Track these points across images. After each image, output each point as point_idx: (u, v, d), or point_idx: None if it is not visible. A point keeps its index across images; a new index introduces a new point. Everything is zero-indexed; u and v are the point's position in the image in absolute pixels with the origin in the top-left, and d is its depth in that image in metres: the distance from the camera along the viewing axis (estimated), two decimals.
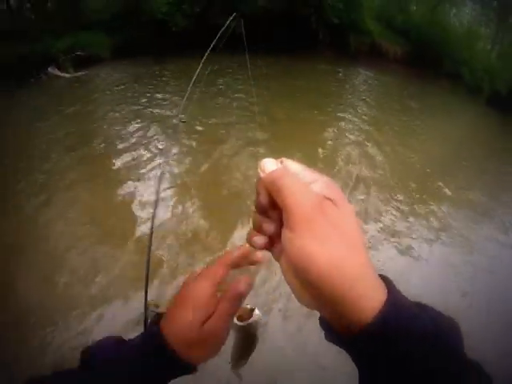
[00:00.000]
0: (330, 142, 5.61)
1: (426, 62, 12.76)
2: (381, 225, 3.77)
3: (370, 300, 0.28)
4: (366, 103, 8.09)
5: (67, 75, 9.50)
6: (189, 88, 1.09)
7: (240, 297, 0.40)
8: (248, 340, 0.49)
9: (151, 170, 4.13)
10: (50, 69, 9.88)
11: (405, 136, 6.53)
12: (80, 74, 9.25)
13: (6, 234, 2.98)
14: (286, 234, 0.30)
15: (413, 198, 4.44)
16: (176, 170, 4.21)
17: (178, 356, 0.39)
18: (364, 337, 0.29)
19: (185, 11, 8.98)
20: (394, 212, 4.02)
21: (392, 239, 3.58)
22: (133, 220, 3.25)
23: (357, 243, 0.30)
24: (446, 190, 4.81)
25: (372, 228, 3.68)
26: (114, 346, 0.42)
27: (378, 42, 11.72)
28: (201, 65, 1.08)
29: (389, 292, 0.30)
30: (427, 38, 13.30)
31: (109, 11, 10.35)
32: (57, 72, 9.77)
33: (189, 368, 0.41)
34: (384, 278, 0.32)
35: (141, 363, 0.39)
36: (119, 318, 2.26)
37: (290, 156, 0.34)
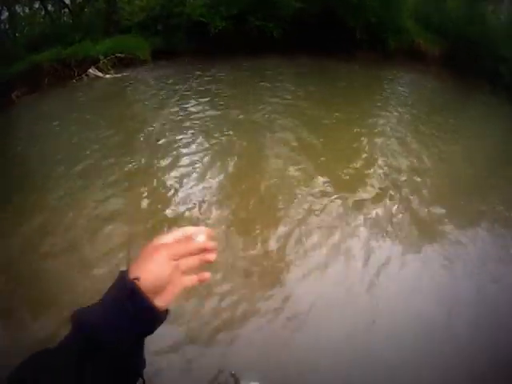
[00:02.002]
0: (365, 141, 5.47)
1: (465, 61, 12.29)
2: None
3: None
4: (404, 105, 7.86)
5: (108, 76, 9.77)
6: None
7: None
8: None
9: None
10: (91, 70, 10.18)
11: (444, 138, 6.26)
12: (120, 75, 9.49)
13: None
14: None
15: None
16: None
17: (149, 298, 0.43)
18: None
19: (222, 13, 9.03)
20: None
21: None
22: None
23: None
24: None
25: None
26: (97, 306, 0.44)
27: (417, 41, 11.39)
28: None
29: None
30: (465, 36, 12.82)
31: (143, 14, 10.60)
32: (98, 73, 10.06)
33: (160, 316, 0.45)
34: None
35: (117, 312, 0.42)
36: None
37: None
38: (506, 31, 14.52)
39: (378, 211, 3.75)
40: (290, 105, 6.49)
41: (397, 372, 2.20)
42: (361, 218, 3.64)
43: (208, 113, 6.05)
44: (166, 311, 0.46)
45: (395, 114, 7.09)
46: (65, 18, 14.19)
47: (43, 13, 15.36)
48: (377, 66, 9.97)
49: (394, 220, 3.67)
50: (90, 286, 2.57)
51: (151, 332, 0.45)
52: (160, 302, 0.44)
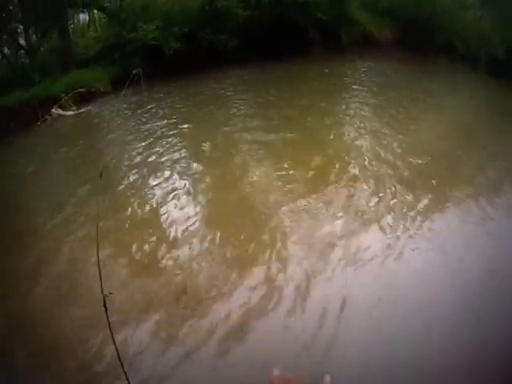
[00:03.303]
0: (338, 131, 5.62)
1: (419, 40, 12.65)
2: None
3: None
4: (367, 93, 8.08)
5: (71, 113, 9.73)
6: None
7: None
8: None
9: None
10: (53, 109, 10.11)
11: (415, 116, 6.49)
12: (83, 110, 9.48)
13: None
14: None
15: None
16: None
17: None
18: None
19: (175, 33, 9.14)
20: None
21: None
22: None
23: None
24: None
25: None
26: None
27: (369, 30, 11.69)
28: None
29: None
30: (416, 16, 13.20)
31: (99, 45, 10.62)
32: (60, 112, 10.00)
33: None
34: None
35: None
36: None
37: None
38: (455, 5, 15.03)
39: None
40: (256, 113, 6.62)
41: None
42: None
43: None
44: None
45: (360, 99, 7.31)
46: (22, 59, 14.11)
47: (0, 56, 15.27)
48: (333, 59, 10.20)
49: None
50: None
51: None
52: None
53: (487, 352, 2.38)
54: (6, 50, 14.76)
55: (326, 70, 9.33)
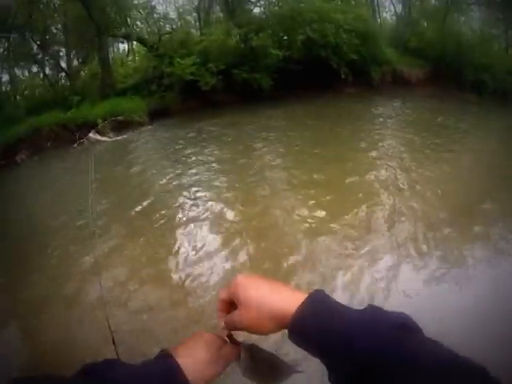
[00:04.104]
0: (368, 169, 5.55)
1: (448, 77, 12.72)
2: None
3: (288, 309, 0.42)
4: (398, 132, 8.04)
5: (108, 139, 10.14)
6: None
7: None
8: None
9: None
10: (91, 134, 10.58)
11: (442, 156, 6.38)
12: (120, 138, 9.88)
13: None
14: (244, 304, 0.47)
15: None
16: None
17: (186, 378, 0.45)
18: (290, 334, 0.43)
19: (211, 69, 9.52)
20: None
21: None
22: None
23: (270, 287, 0.47)
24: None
25: None
26: (119, 366, 0.45)
27: (399, 69, 11.86)
28: None
29: (303, 302, 0.42)
30: (443, 53, 13.33)
31: (137, 76, 11.16)
32: (98, 137, 10.45)
33: None
34: (314, 293, 0.44)
35: (149, 381, 0.43)
36: None
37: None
38: (481, 40, 15.06)
39: None
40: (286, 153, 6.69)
41: None
42: None
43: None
44: None
45: (393, 137, 7.32)
46: (62, 81, 14.98)
47: (42, 76, 16.25)
48: (364, 98, 10.36)
49: None
50: None
51: None
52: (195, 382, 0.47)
53: None
54: (47, 71, 15.76)
55: (357, 110, 9.47)
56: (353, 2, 15.52)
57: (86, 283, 3.22)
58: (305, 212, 4.32)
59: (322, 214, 4.16)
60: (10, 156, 10.04)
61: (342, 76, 10.12)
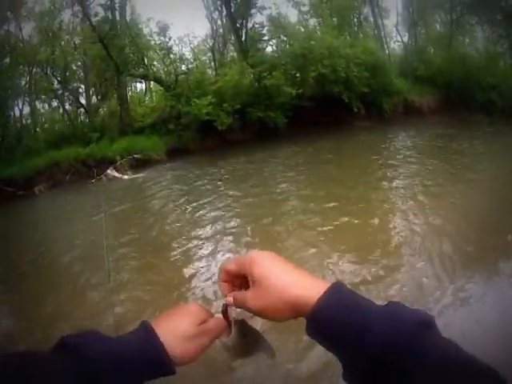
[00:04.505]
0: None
1: (458, 102, 12.80)
2: None
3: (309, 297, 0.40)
4: (413, 162, 7.95)
5: (125, 177, 10.32)
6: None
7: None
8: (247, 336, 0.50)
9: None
10: (109, 171, 10.80)
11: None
12: (138, 176, 10.06)
13: None
14: (260, 284, 0.44)
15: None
16: None
17: (167, 354, 0.43)
18: (308, 324, 0.40)
19: (226, 109, 9.78)
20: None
21: None
22: None
23: (289, 268, 0.44)
24: None
25: None
26: (97, 339, 0.43)
27: (410, 98, 12.00)
28: None
29: (325, 292, 0.40)
30: (451, 78, 13.49)
31: (154, 115, 11.53)
32: (115, 174, 10.65)
33: (170, 369, 0.44)
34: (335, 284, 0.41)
35: (127, 358, 0.41)
36: None
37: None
38: (486, 59, 15.22)
39: None
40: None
41: None
42: None
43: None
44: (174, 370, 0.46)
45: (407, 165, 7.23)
46: (81, 117, 15.62)
47: (61, 111, 17.00)
48: (376, 130, 10.42)
49: None
50: None
51: (154, 377, 0.44)
52: (177, 358, 0.45)
53: None
54: (67, 106, 16.48)
55: (372, 142, 9.50)
56: (361, 35, 16.11)
57: None
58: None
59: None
60: (28, 187, 10.33)
61: (355, 110, 10.26)
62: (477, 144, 9.26)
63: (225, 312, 0.50)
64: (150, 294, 3.66)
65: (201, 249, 4.56)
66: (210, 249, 4.52)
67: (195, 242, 4.79)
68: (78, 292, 3.85)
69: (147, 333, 0.45)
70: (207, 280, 3.74)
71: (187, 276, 3.91)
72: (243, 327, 0.50)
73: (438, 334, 0.38)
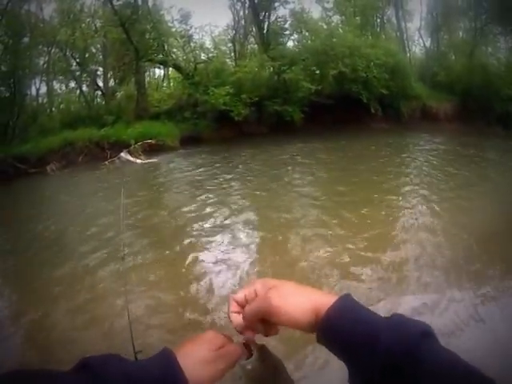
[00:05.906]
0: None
1: (476, 111, 12.56)
2: None
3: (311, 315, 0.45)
4: (427, 168, 7.80)
5: (138, 161, 10.37)
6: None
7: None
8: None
9: None
10: (122, 154, 10.86)
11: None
12: (151, 161, 10.12)
13: None
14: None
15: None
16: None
17: (186, 381, 0.43)
18: (319, 333, 0.44)
19: (244, 100, 9.77)
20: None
21: None
22: None
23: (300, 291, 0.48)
24: None
25: None
26: (117, 362, 0.43)
27: (428, 104, 11.84)
28: None
29: (335, 302, 0.44)
30: (470, 86, 13.23)
31: (171, 101, 11.55)
32: (129, 157, 10.70)
33: None
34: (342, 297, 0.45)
35: (147, 382, 0.42)
36: None
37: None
38: (507, 70, 14.84)
39: None
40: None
41: None
42: None
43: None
44: None
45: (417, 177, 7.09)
46: (98, 100, 15.74)
47: (78, 92, 17.13)
48: (393, 134, 10.29)
49: None
50: None
51: None
52: (194, 382, 0.46)
53: None
54: (84, 88, 16.60)
55: (387, 147, 9.38)
56: (383, 36, 15.88)
57: None
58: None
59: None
60: (41, 165, 10.45)
61: (372, 111, 10.17)
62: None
63: (247, 339, 0.51)
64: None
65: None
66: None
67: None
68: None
69: (168, 359, 0.45)
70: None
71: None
72: (264, 352, 0.51)
73: (439, 343, 0.40)
